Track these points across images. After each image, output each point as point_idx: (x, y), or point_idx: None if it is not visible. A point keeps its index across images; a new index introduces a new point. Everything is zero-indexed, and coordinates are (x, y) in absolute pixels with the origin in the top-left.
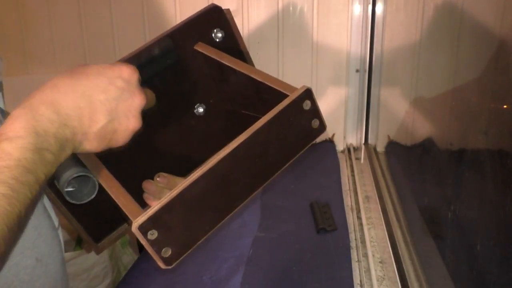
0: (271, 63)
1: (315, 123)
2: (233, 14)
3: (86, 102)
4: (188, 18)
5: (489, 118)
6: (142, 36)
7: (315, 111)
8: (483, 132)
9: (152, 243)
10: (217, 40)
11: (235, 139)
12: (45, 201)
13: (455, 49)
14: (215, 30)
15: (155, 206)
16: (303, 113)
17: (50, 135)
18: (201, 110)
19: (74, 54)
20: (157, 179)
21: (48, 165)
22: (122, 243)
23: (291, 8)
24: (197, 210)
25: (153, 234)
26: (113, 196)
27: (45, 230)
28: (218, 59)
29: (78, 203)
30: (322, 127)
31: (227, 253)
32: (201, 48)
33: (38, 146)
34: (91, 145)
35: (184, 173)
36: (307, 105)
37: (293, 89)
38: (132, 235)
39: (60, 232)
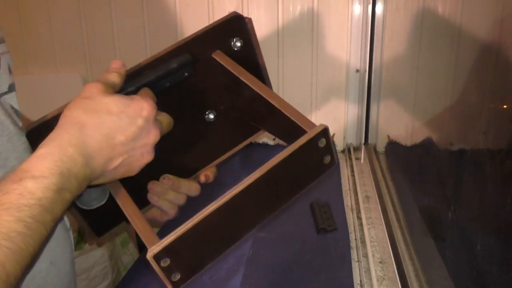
0: (271, 63)
1: (327, 159)
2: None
3: (108, 144)
4: (208, 26)
5: (489, 118)
6: (142, 36)
7: (328, 148)
8: (483, 132)
9: (164, 269)
10: (236, 49)
11: (251, 176)
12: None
13: (455, 49)
14: (234, 39)
15: (170, 237)
16: (317, 150)
17: (73, 176)
18: (211, 116)
19: (74, 54)
20: (163, 180)
21: (65, 204)
22: (122, 243)
23: (291, 8)
24: (207, 240)
25: (165, 262)
26: (129, 218)
27: (58, 232)
28: (236, 73)
29: (87, 208)
30: (333, 162)
31: (227, 253)
32: (219, 57)
33: (60, 187)
34: (105, 179)
35: (188, 176)
36: (322, 143)
37: (310, 124)
38: (132, 234)
39: (71, 233)
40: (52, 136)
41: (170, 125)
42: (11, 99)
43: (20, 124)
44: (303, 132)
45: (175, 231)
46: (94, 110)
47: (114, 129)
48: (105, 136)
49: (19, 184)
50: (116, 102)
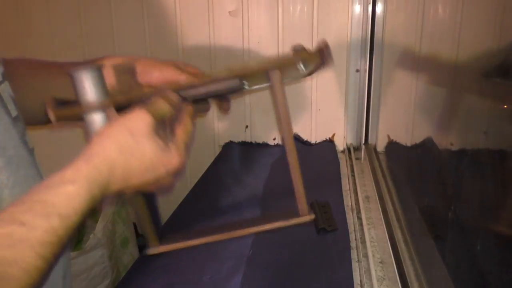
0: None
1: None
2: (233, 14)
3: (126, 184)
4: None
5: (489, 118)
6: (142, 36)
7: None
8: (483, 132)
9: None
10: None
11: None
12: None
13: (455, 49)
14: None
15: (168, 246)
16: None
17: (89, 211)
18: None
19: (74, 54)
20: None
21: (70, 235)
22: (122, 243)
23: (291, 8)
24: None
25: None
26: (141, 222)
27: None
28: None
29: None
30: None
31: (227, 253)
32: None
33: (78, 224)
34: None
35: None
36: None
37: (304, 208)
38: (132, 234)
39: None
40: (84, 169)
41: (189, 136)
42: (6, 88)
43: (16, 112)
44: (295, 212)
45: (174, 243)
46: (130, 152)
47: (136, 174)
48: (125, 179)
49: (45, 220)
50: (151, 151)
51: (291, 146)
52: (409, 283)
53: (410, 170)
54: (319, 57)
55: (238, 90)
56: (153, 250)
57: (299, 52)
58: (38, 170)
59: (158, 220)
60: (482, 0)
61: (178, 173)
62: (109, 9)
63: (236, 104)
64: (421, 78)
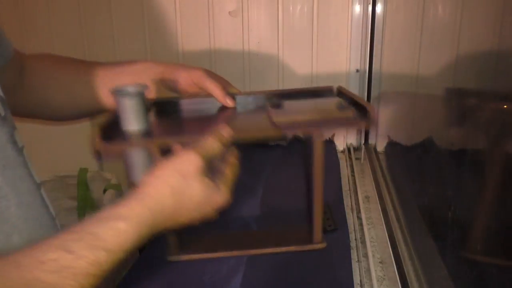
0: (271, 63)
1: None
2: (233, 14)
3: (172, 221)
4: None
5: (489, 118)
6: (142, 36)
7: None
8: (483, 131)
9: None
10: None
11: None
12: (42, 192)
13: (455, 49)
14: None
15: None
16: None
17: (133, 249)
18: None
19: (74, 54)
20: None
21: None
22: None
23: (291, 8)
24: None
25: None
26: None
27: (45, 220)
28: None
29: None
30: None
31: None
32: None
33: (122, 258)
34: None
35: None
36: None
37: (318, 239)
38: None
39: (58, 222)
40: (136, 208)
41: (235, 176)
42: None
43: (4, 112)
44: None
45: (194, 253)
46: (180, 195)
47: (184, 214)
48: (172, 219)
49: (92, 252)
50: (201, 193)
51: (320, 196)
52: (409, 283)
53: (410, 170)
54: (368, 121)
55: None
56: (174, 257)
57: (345, 111)
58: (28, 169)
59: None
60: (482, 0)
61: (222, 208)
62: (109, 9)
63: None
64: (421, 77)
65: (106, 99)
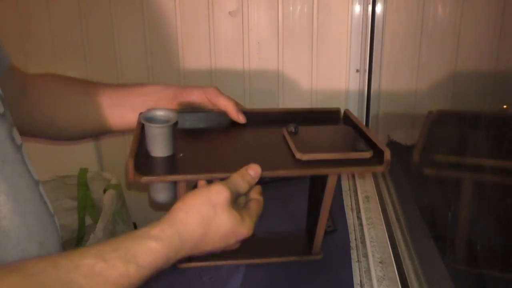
0: (271, 63)
1: None
2: (233, 14)
3: (198, 250)
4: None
5: (489, 118)
6: (142, 36)
7: None
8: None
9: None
10: None
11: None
12: (40, 188)
13: (455, 49)
14: None
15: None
16: None
17: (159, 270)
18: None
19: (74, 54)
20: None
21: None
22: None
23: (291, 8)
24: None
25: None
26: None
27: (43, 216)
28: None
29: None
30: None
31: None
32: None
33: (149, 277)
34: None
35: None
36: None
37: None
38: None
39: (56, 219)
40: (168, 231)
41: (260, 211)
42: None
43: (3, 109)
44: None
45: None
46: (209, 225)
47: (210, 244)
48: (198, 247)
49: (124, 264)
50: (228, 224)
51: (325, 216)
52: (409, 283)
53: (410, 170)
54: (384, 165)
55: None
56: (184, 264)
57: (364, 152)
58: (26, 166)
59: None
60: (482, 0)
61: (242, 239)
62: (109, 8)
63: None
64: (421, 77)
65: (114, 120)
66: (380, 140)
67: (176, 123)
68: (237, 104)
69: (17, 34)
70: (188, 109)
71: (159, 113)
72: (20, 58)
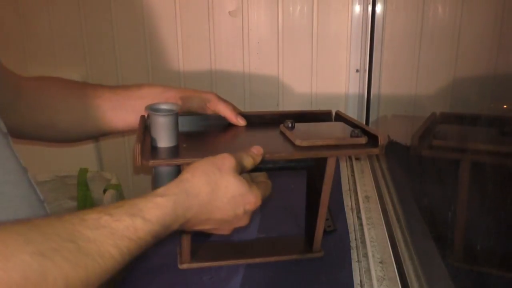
0: (271, 63)
1: None
2: (233, 14)
3: (206, 216)
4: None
5: (489, 118)
6: (142, 36)
7: None
8: (483, 131)
9: None
10: None
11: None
12: (29, 175)
13: (455, 49)
14: None
15: (200, 265)
16: None
17: (169, 229)
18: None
19: (74, 54)
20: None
21: (147, 246)
22: None
23: (291, 8)
24: None
25: None
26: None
27: (33, 202)
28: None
29: None
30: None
31: None
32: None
33: (156, 235)
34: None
35: None
36: None
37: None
38: None
39: (47, 205)
40: (174, 189)
41: (268, 192)
42: None
43: None
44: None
45: (205, 261)
46: (216, 184)
47: (218, 207)
48: (207, 210)
49: (130, 218)
50: (235, 187)
51: (324, 208)
52: (409, 283)
53: (410, 170)
54: (379, 148)
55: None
56: (186, 265)
57: (358, 138)
58: (13, 151)
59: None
60: (482, 0)
61: (251, 211)
62: (109, 9)
63: (236, 104)
64: (421, 77)
65: (114, 122)
66: (373, 128)
67: (177, 114)
68: (235, 109)
69: (17, 34)
70: (187, 113)
71: (163, 106)
72: (20, 58)
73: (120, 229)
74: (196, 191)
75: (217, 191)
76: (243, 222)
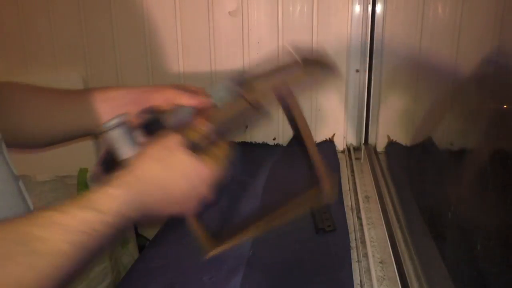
0: (271, 63)
1: None
2: (233, 14)
3: (163, 197)
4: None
5: (489, 118)
6: (141, 36)
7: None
8: (483, 132)
9: None
10: None
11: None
12: (20, 184)
13: (455, 49)
14: None
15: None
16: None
17: (126, 218)
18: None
19: (74, 54)
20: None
21: (112, 237)
22: (122, 243)
23: (291, 8)
24: None
25: None
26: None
27: (20, 212)
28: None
29: None
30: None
31: (227, 253)
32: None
33: (112, 225)
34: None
35: None
36: None
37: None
38: (132, 235)
39: (21, 183)
40: (125, 177)
41: (224, 156)
42: None
43: None
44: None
45: (226, 242)
46: (165, 161)
47: (174, 185)
48: (165, 190)
49: (81, 211)
50: (185, 161)
51: (313, 148)
52: (409, 283)
53: (410, 170)
54: (326, 67)
55: (258, 114)
56: (212, 252)
57: (307, 62)
58: (6, 160)
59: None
60: (482, 0)
61: (211, 184)
62: (109, 8)
63: None
64: (421, 77)
65: (79, 125)
66: (326, 58)
67: (124, 125)
68: (198, 92)
69: (17, 34)
70: (152, 113)
71: (115, 121)
72: (20, 58)
73: (73, 225)
74: (149, 175)
75: (169, 170)
76: (205, 193)
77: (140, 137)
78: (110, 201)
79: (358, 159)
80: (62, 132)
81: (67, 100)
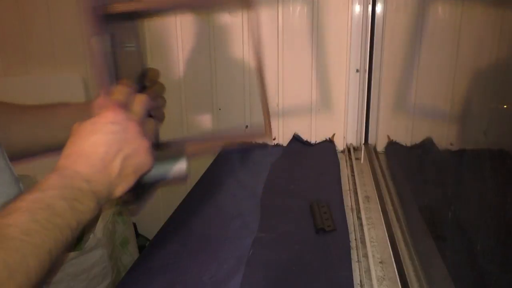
0: (271, 64)
1: None
2: (233, 14)
3: (95, 160)
4: None
5: (489, 118)
6: (141, 35)
7: None
8: (483, 132)
9: None
10: None
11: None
12: (21, 185)
13: (455, 49)
14: None
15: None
16: None
17: (76, 189)
18: None
19: (74, 54)
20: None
21: (80, 214)
22: (122, 243)
23: (291, 8)
24: None
25: None
26: None
27: (6, 181)
28: None
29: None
30: None
31: (227, 253)
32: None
33: (66, 197)
34: (122, 187)
35: None
36: None
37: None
38: (132, 234)
39: (21, 184)
40: (61, 160)
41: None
42: None
43: None
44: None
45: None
46: (91, 128)
47: (92, 147)
48: (89, 156)
49: (31, 194)
50: (86, 125)
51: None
52: (409, 283)
53: (410, 170)
54: None
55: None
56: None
57: None
58: (7, 162)
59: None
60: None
61: (119, 120)
62: None
63: (235, 104)
64: (421, 77)
65: (48, 139)
66: None
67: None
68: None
69: (17, 34)
70: None
71: None
72: (20, 58)
73: (28, 206)
74: (83, 148)
75: (79, 140)
76: (132, 126)
77: None
78: (46, 181)
79: (358, 159)
80: (42, 147)
81: (50, 116)
